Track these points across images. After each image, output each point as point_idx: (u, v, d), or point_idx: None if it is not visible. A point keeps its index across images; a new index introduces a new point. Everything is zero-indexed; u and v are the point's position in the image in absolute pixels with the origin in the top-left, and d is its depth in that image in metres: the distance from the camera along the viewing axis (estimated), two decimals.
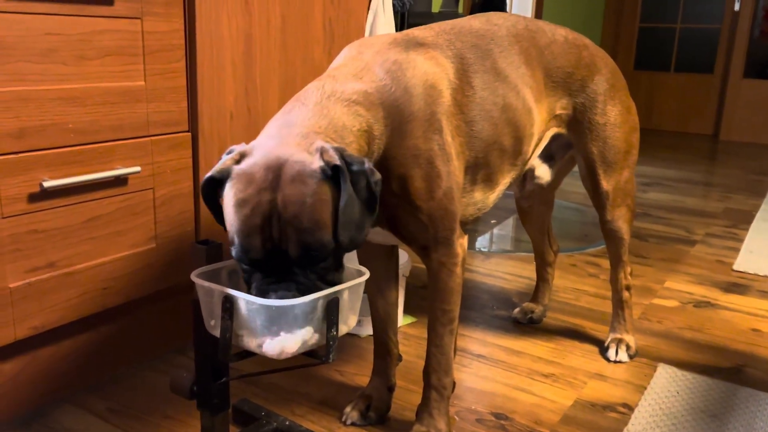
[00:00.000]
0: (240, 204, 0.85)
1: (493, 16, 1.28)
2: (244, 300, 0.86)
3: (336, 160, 0.86)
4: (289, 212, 0.84)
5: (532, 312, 1.76)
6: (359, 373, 1.47)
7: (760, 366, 1.56)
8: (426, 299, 1.88)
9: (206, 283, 0.91)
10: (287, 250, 0.85)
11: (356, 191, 0.88)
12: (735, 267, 2.25)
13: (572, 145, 1.45)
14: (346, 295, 0.92)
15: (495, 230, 2.70)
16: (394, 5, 2.41)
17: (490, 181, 1.22)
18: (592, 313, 1.84)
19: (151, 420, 1.28)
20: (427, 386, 1.19)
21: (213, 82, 1.42)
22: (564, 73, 1.35)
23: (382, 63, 1.05)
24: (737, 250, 2.45)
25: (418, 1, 2.73)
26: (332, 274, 0.90)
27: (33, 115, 1.14)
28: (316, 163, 0.86)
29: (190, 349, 1.54)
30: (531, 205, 1.71)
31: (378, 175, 0.90)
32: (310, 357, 0.92)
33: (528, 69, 1.26)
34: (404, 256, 1.66)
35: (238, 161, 0.89)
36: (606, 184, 1.44)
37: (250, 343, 0.88)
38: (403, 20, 2.55)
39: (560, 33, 1.37)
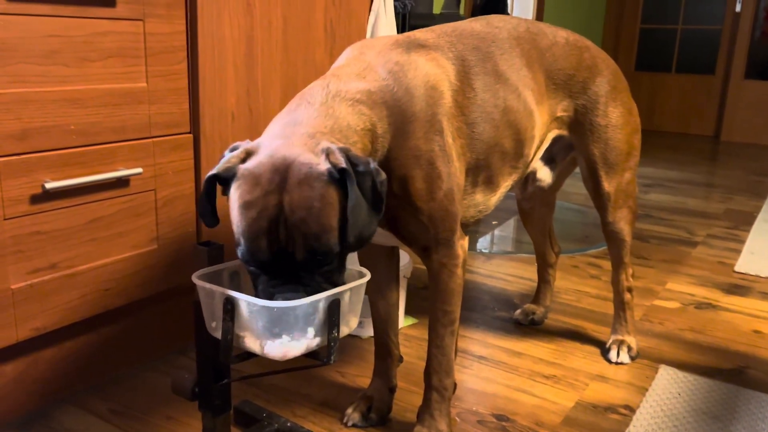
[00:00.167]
0: (246, 206, 0.85)
1: (494, 19, 1.28)
2: (246, 301, 0.86)
3: (342, 162, 0.86)
4: (296, 216, 0.83)
5: (534, 313, 1.76)
6: (360, 375, 1.47)
7: (761, 367, 1.56)
8: (427, 300, 1.88)
9: (207, 285, 0.91)
10: (293, 253, 0.85)
11: (362, 192, 0.88)
12: (736, 268, 2.25)
13: (574, 146, 1.45)
14: (347, 297, 0.92)
15: (496, 231, 2.70)
16: (395, 6, 2.41)
17: (491, 183, 1.22)
18: (594, 314, 1.84)
19: (153, 421, 1.28)
20: (428, 387, 1.19)
21: (215, 83, 1.43)
22: (565, 75, 1.35)
23: (384, 63, 1.06)
24: (738, 251, 2.45)
25: (419, 2, 2.73)
26: (336, 275, 0.90)
27: (35, 117, 1.15)
28: (323, 166, 0.86)
29: (192, 351, 1.54)
30: (532, 207, 1.71)
31: (383, 175, 0.90)
32: (311, 358, 0.92)
33: (529, 71, 1.26)
34: (405, 257, 1.66)
35: (243, 160, 0.88)
36: (607, 186, 1.44)
37: (252, 344, 0.88)
38: (405, 21, 2.55)
39: (561, 35, 1.37)
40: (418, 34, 1.16)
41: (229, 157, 0.89)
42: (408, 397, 1.38)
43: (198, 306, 0.96)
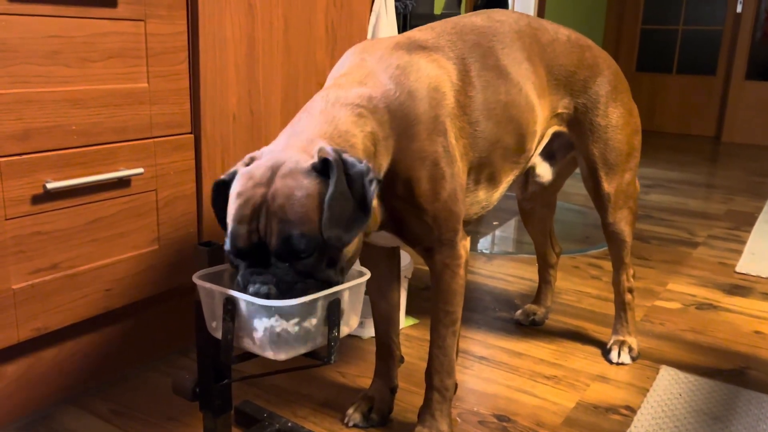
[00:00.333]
0: (237, 196, 0.89)
1: (495, 13, 1.28)
2: (245, 301, 0.86)
3: (329, 155, 0.88)
4: (275, 204, 0.86)
5: (535, 314, 1.76)
6: (361, 375, 1.47)
7: (762, 368, 1.56)
8: (428, 301, 1.88)
9: (208, 285, 0.91)
10: (269, 241, 0.86)
11: (352, 191, 0.89)
12: (737, 269, 2.25)
13: (574, 146, 1.45)
14: (347, 296, 0.92)
15: (497, 232, 2.70)
16: (396, 7, 2.41)
17: (493, 180, 1.22)
18: (595, 315, 1.84)
19: (154, 421, 1.28)
20: (430, 388, 1.19)
21: (216, 84, 1.43)
22: (566, 71, 1.35)
23: (385, 69, 1.06)
24: (739, 252, 2.45)
25: (420, 2, 2.73)
26: (321, 270, 0.89)
27: (36, 117, 1.15)
28: (310, 161, 0.89)
29: (193, 351, 1.54)
30: (533, 207, 1.71)
31: (373, 175, 0.90)
32: (312, 358, 0.92)
33: (530, 65, 1.26)
34: (406, 257, 1.66)
35: (247, 164, 0.93)
36: (608, 186, 1.44)
37: (252, 344, 0.88)
38: (406, 22, 2.55)
39: (563, 32, 1.37)
40: (419, 34, 1.16)
41: (237, 165, 0.94)
42: (409, 397, 1.38)
43: (199, 306, 0.96)
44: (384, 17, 2.16)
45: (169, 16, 1.33)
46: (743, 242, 2.58)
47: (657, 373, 1.51)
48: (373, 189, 0.90)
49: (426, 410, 1.19)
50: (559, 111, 1.37)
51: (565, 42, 1.35)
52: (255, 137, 1.54)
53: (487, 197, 1.23)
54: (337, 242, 0.87)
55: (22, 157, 1.14)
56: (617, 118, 1.41)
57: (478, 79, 1.16)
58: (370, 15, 2.06)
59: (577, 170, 1.55)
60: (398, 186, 1.04)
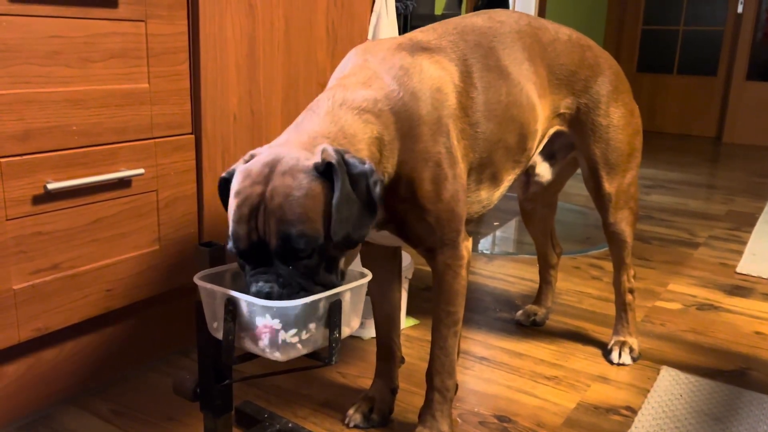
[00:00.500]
0: (235, 195, 0.89)
1: (496, 13, 1.28)
2: (247, 302, 0.86)
3: (332, 158, 0.87)
4: (273, 203, 0.86)
5: (535, 314, 1.76)
6: (362, 376, 1.47)
7: (763, 369, 1.56)
8: (429, 301, 1.88)
9: (209, 285, 0.91)
10: (269, 241, 0.86)
11: (356, 192, 0.89)
12: (738, 269, 2.25)
13: (575, 146, 1.45)
14: (348, 297, 0.92)
15: (498, 232, 2.70)
16: (397, 8, 2.41)
17: (495, 179, 1.23)
18: (595, 315, 1.84)
19: (155, 422, 1.28)
20: (430, 388, 1.19)
21: (216, 84, 1.43)
22: (567, 71, 1.35)
23: (388, 70, 1.06)
24: (740, 252, 2.45)
25: (420, 3, 2.73)
26: (321, 273, 0.89)
27: (37, 118, 1.15)
28: (312, 161, 0.88)
29: (194, 351, 1.54)
30: (534, 208, 1.71)
31: (377, 176, 0.90)
32: (312, 359, 0.92)
33: (531, 65, 1.26)
34: (407, 258, 1.66)
35: (247, 161, 0.93)
36: (609, 187, 1.44)
37: (253, 345, 0.88)
38: (406, 22, 2.55)
39: (564, 32, 1.37)
40: (420, 35, 1.16)
41: (238, 162, 0.94)
42: (409, 398, 1.38)
43: (199, 306, 0.96)
44: (385, 18, 2.16)
45: (169, 17, 1.33)
46: (744, 243, 2.58)
47: (658, 374, 1.51)
48: (379, 190, 0.90)
49: (427, 411, 1.19)
50: (561, 111, 1.37)
51: (566, 41, 1.35)
52: (256, 137, 1.54)
53: (489, 196, 1.24)
54: (346, 245, 0.88)
55: (23, 158, 1.14)
56: (618, 118, 1.41)
57: (479, 80, 1.16)
58: (370, 15, 2.06)
59: (578, 170, 1.55)
60: (401, 187, 1.04)
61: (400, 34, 2.37)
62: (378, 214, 1.04)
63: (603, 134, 1.41)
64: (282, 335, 0.85)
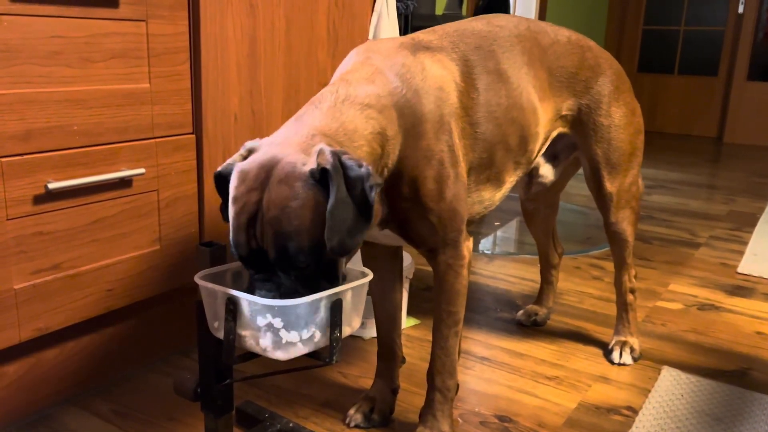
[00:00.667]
0: (233, 201, 0.88)
1: (495, 18, 1.28)
2: (248, 301, 0.86)
3: (328, 163, 0.85)
4: (270, 214, 0.84)
5: (536, 314, 1.76)
6: (363, 376, 1.47)
7: (764, 369, 1.56)
8: (429, 301, 1.88)
9: (210, 285, 0.91)
10: (267, 250, 0.86)
11: (352, 196, 0.87)
12: (739, 270, 2.24)
13: (577, 146, 1.45)
14: (349, 296, 0.92)
15: (499, 232, 2.70)
16: (397, 8, 2.41)
17: (497, 180, 1.23)
18: (596, 315, 1.84)
19: (155, 422, 1.28)
20: (431, 388, 1.19)
21: (217, 84, 1.43)
22: (568, 73, 1.35)
23: (391, 67, 1.06)
24: (741, 252, 2.45)
25: (421, 3, 2.73)
26: (321, 281, 0.89)
27: (38, 117, 1.15)
28: (308, 166, 0.86)
29: (194, 351, 1.54)
30: (536, 208, 1.71)
31: (374, 180, 0.88)
32: (313, 358, 0.92)
33: (531, 69, 1.26)
34: (408, 258, 1.66)
35: (245, 158, 0.91)
36: (610, 186, 1.44)
37: (254, 344, 0.88)
38: (407, 23, 2.55)
39: (563, 34, 1.37)
40: (422, 35, 1.16)
41: (234, 156, 0.92)
42: (410, 398, 1.38)
43: (200, 306, 0.96)
44: (385, 17, 2.16)
45: (170, 17, 1.33)
46: (745, 243, 2.57)
47: (659, 374, 1.50)
48: (374, 194, 0.88)
49: (428, 410, 1.19)
50: (564, 113, 1.37)
51: (565, 44, 1.35)
52: (256, 137, 1.54)
53: (491, 197, 1.24)
54: (340, 251, 0.86)
55: (24, 158, 1.14)
56: (620, 118, 1.41)
57: (480, 81, 1.16)
58: (371, 15, 2.06)
59: (580, 171, 1.55)
60: (403, 185, 1.04)
61: (400, 34, 2.37)
62: (380, 212, 1.04)
63: (605, 134, 1.41)
64: (283, 335, 0.85)
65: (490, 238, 2.62)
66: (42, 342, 1.27)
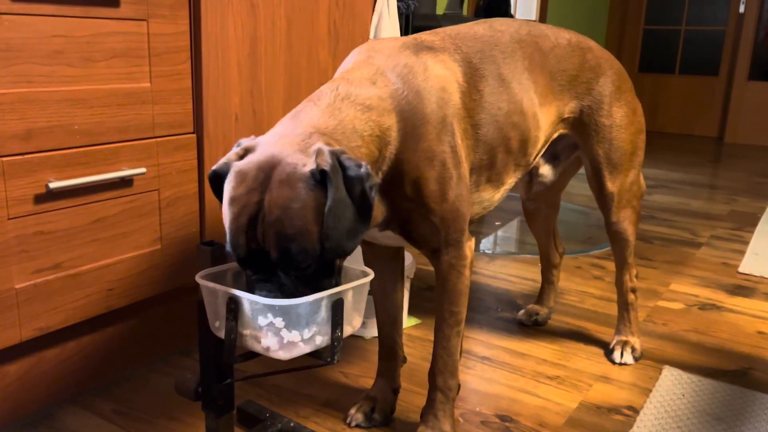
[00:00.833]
0: (231, 202, 0.86)
1: (496, 22, 1.28)
2: (249, 301, 0.86)
3: (327, 164, 0.84)
4: (272, 216, 0.83)
5: (537, 314, 1.76)
6: (364, 375, 1.47)
7: (765, 368, 1.56)
8: (431, 301, 1.88)
9: (210, 284, 0.91)
10: (269, 251, 0.85)
11: (351, 197, 0.86)
12: (740, 269, 2.24)
13: (578, 146, 1.45)
14: (350, 296, 0.92)
15: (499, 232, 2.70)
16: (398, 7, 2.41)
17: (496, 182, 1.23)
18: (597, 315, 1.84)
19: (156, 421, 1.28)
20: (433, 388, 1.18)
21: (218, 83, 1.43)
22: (569, 76, 1.35)
23: (393, 67, 1.06)
24: (742, 252, 2.45)
25: (422, 3, 2.73)
26: (321, 280, 0.88)
27: (39, 117, 1.15)
28: (308, 167, 0.85)
29: (195, 351, 1.54)
30: (537, 207, 1.71)
31: (374, 180, 0.88)
32: (314, 358, 0.92)
33: (531, 74, 1.26)
34: (409, 257, 1.66)
35: (241, 157, 0.89)
36: (611, 186, 1.44)
37: (255, 344, 0.88)
38: (408, 22, 2.55)
39: (564, 36, 1.37)
40: (424, 36, 1.16)
41: (229, 154, 0.90)
42: (411, 397, 1.38)
43: (201, 306, 0.96)
44: (386, 17, 2.16)
45: (171, 16, 1.33)
46: (746, 243, 2.57)
47: (660, 374, 1.50)
48: (373, 195, 0.88)
49: (429, 410, 1.19)
50: (566, 116, 1.37)
51: (566, 46, 1.35)
52: (257, 136, 1.54)
53: (490, 197, 1.24)
54: (339, 252, 0.86)
55: (25, 157, 1.14)
56: (621, 118, 1.41)
57: (481, 84, 1.16)
58: (372, 15, 2.06)
59: (581, 171, 1.55)
60: (406, 186, 1.03)
61: (401, 33, 2.37)
62: (381, 212, 1.04)
63: (606, 134, 1.41)
64: (284, 334, 0.85)
65: (491, 237, 2.62)
66: (43, 341, 1.27)
